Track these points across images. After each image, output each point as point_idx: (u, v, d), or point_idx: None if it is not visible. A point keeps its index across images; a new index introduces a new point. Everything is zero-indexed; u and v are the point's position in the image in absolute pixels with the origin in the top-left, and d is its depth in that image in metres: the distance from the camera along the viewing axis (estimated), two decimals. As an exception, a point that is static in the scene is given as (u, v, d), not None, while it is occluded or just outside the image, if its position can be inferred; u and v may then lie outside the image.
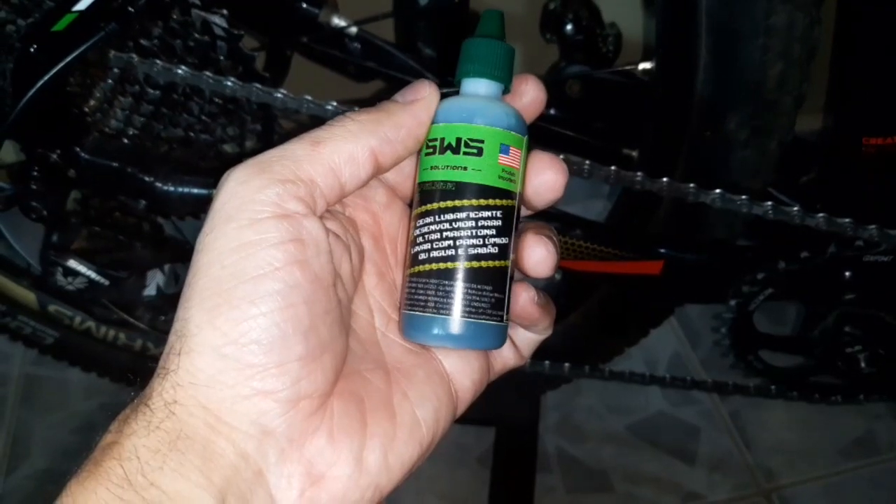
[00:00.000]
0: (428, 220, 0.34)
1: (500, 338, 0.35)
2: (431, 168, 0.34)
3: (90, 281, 0.73)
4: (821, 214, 0.68)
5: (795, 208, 0.68)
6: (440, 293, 0.33)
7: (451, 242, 0.33)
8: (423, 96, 0.34)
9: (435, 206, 0.34)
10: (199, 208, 0.73)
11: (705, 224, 0.77)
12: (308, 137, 0.32)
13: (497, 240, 0.34)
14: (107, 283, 0.73)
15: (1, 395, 1.16)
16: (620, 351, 0.96)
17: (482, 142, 0.33)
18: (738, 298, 0.77)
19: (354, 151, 0.32)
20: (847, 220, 0.69)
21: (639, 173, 0.67)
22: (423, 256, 0.34)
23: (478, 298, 0.33)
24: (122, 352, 0.92)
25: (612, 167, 0.67)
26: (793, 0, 0.61)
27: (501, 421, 1.10)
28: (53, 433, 1.12)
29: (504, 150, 0.34)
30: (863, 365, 0.80)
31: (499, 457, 1.09)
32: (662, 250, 0.75)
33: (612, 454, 1.12)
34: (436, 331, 0.34)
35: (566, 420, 1.15)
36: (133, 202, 0.74)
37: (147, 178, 0.69)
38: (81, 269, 0.72)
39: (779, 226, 0.69)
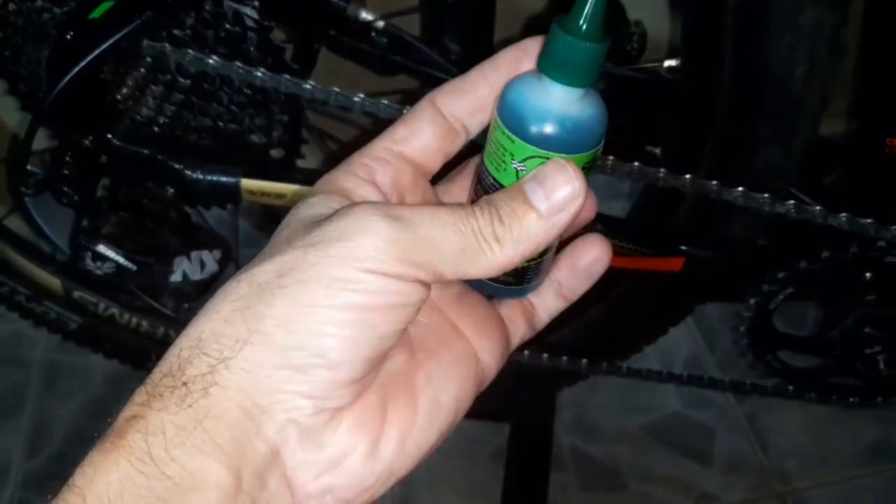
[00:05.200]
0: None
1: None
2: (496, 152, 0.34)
3: (118, 266, 0.74)
4: (843, 214, 0.69)
5: (818, 208, 0.68)
6: None
7: None
8: (564, 217, 0.32)
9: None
10: (226, 198, 0.74)
11: (727, 222, 0.77)
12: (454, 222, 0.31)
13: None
14: (134, 268, 0.74)
15: (24, 380, 1.17)
16: (639, 349, 0.96)
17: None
18: (758, 297, 0.78)
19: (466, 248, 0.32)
20: (869, 220, 0.69)
21: (662, 170, 0.68)
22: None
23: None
24: (145, 339, 0.93)
25: (636, 163, 0.67)
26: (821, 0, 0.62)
27: (516, 417, 1.11)
28: (75, 419, 1.13)
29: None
30: (882, 366, 0.80)
31: (513, 453, 1.09)
32: (683, 247, 0.75)
33: (627, 453, 1.12)
34: None
35: (581, 418, 1.15)
36: (161, 190, 0.75)
37: (176, 166, 0.70)
38: (110, 253, 0.74)
39: (801, 225, 0.69)
